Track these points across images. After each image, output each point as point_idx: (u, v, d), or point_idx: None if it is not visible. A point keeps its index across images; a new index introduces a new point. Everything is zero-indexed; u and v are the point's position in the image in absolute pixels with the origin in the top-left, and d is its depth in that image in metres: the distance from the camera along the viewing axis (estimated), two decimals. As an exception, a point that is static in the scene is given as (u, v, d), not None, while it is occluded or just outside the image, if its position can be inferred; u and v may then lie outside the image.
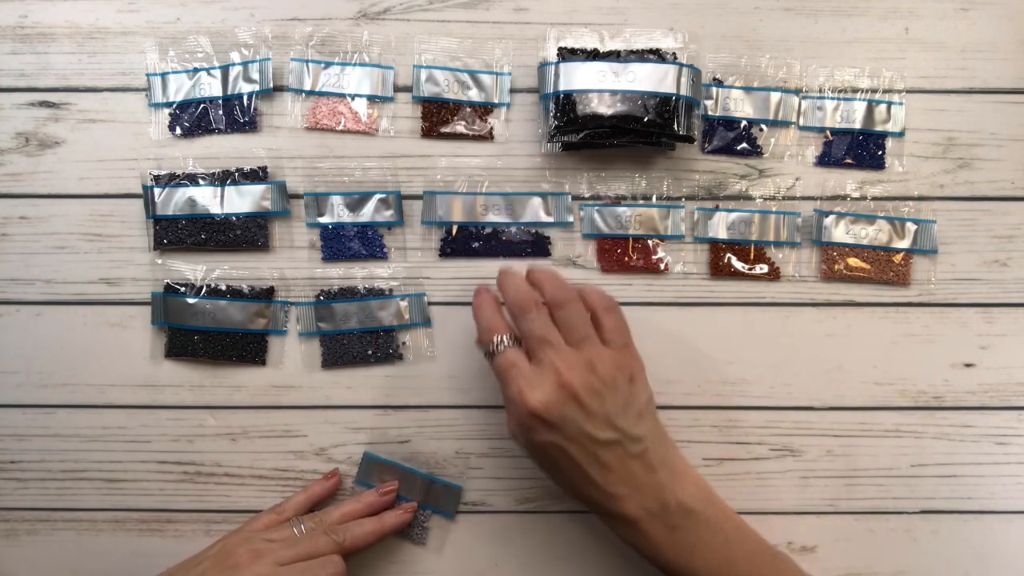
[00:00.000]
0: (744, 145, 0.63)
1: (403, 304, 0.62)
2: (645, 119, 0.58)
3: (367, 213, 0.62)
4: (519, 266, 0.62)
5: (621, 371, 0.53)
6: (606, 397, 0.51)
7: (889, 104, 0.63)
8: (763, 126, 0.63)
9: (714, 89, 0.63)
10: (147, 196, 0.62)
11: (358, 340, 0.62)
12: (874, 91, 0.63)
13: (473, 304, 0.57)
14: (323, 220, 0.63)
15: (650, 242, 0.63)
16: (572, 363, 0.51)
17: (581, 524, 0.62)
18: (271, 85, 0.62)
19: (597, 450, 0.51)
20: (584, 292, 0.55)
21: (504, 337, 0.53)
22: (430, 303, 0.63)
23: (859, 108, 0.63)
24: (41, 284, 0.63)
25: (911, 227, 0.63)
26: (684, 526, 0.52)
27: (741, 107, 0.63)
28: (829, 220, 0.62)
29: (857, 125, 0.63)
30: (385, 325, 0.62)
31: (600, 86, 0.59)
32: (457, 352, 0.63)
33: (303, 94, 0.63)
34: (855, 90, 0.63)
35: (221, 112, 0.63)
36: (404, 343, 0.63)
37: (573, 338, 0.53)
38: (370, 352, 0.62)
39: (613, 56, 0.61)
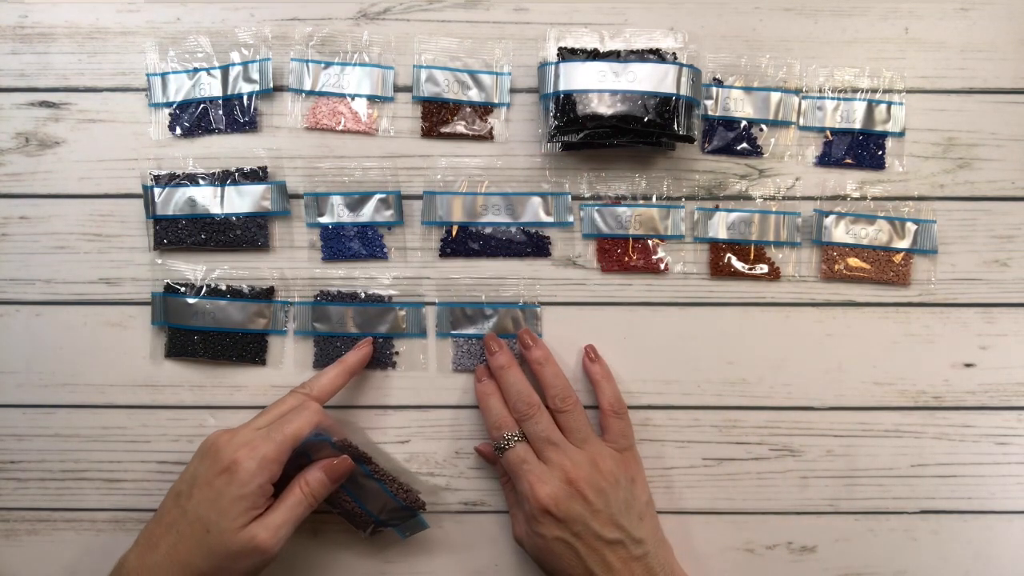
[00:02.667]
0: (744, 145, 0.63)
1: (401, 314, 0.62)
2: (645, 119, 0.58)
3: (367, 213, 0.62)
4: (518, 265, 0.63)
5: (623, 470, 0.57)
6: (609, 494, 0.55)
7: (889, 104, 0.63)
8: (763, 126, 0.63)
9: (714, 89, 0.63)
10: (147, 196, 0.62)
11: (352, 344, 0.62)
12: (874, 91, 0.63)
13: (477, 395, 0.60)
14: (323, 220, 0.63)
15: (650, 242, 0.63)
16: (577, 460, 0.55)
17: (581, 524, 0.62)
18: (271, 85, 0.62)
19: (603, 550, 0.54)
20: (601, 389, 0.60)
21: (515, 433, 0.57)
22: (429, 303, 0.63)
23: (859, 108, 0.63)
24: (41, 284, 0.63)
25: (911, 227, 0.63)
26: None
27: (741, 107, 0.63)
28: (829, 220, 0.62)
29: (857, 125, 0.63)
30: (381, 332, 0.62)
31: (600, 86, 0.59)
32: (449, 365, 0.63)
33: (303, 94, 0.63)
34: (855, 90, 0.63)
35: (221, 112, 0.63)
36: (398, 352, 0.63)
37: (575, 438, 0.57)
38: None
39: (613, 56, 0.61)
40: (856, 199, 0.63)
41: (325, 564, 0.62)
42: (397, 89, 0.63)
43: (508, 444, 0.57)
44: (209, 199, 0.62)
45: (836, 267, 0.63)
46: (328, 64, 0.63)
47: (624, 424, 0.59)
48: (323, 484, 0.54)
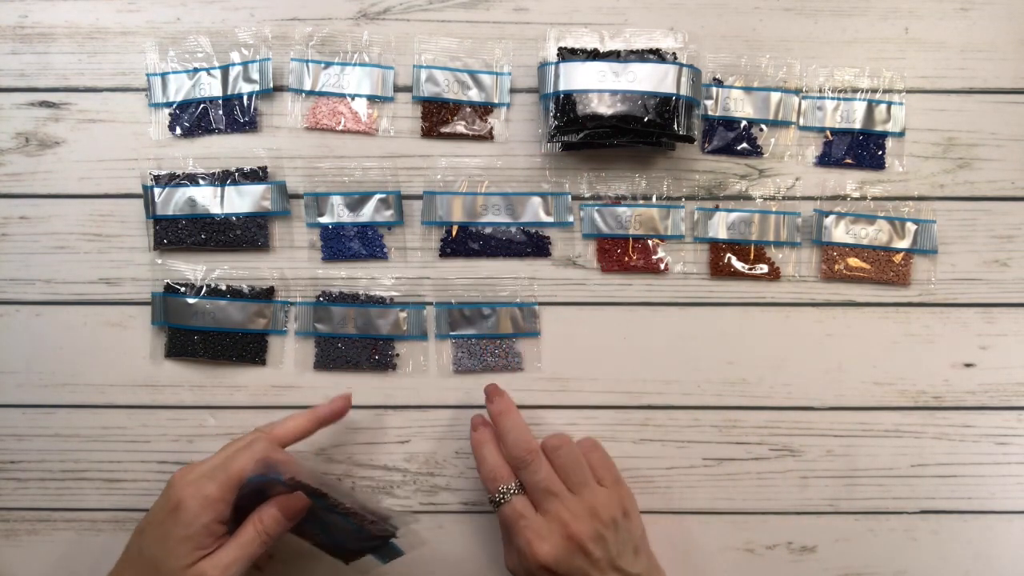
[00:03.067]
0: (744, 145, 0.63)
1: (402, 315, 0.62)
2: (645, 119, 0.58)
3: (367, 213, 0.62)
4: (518, 265, 0.63)
5: (618, 508, 0.55)
6: (608, 540, 0.54)
7: (889, 104, 0.63)
8: (763, 126, 0.63)
9: (714, 89, 0.63)
10: (147, 196, 0.62)
11: (353, 345, 0.62)
12: (874, 91, 0.63)
13: (472, 444, 0.58)
14: (323, 220, 0.63)
15: (650, 242, 0.63)
16: (577, 512, 0.54)
17: (581, 524, 0.62)
18: (271, 85, 0.62)
19: None
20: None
21: (511, 485, 0.55)
22: (429, 304, 0.63)
23: (859, 108, 0.63)
24: (41, 284, 0.63)
25: (911, 227, 0.63)
26: None
27: (741, 107, 0.63)
28: (829, 220, 0.62)
29: (857, 125, 0.63)
30: (382, 334, 0.62)
31: (600, 86, 0.59)
32: (449, 367, 0.63)
33: (303, 94, 0.63)
34: (855, 90, 0.63)
35: (221, 112, 0.63)
36: (398, 354, 0.63)
37: (572, 482, 0.55)
38: (363, 359, 0.62)
39: (613, 56, 0.61)
40: (856, 199, 0.63)
41: (325, 565, 0.62)
42: (397, 89, 0.63)
43: (504, 499, 0.55)
44: (209, 199, 0.62)
45: (836, 267, 0.63)
46: (328, 64, 0.63)
47: (601, 454, 0.58)
48: (277, 521, 0.52)
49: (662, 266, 0.63)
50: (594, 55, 0.61)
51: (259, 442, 0.53)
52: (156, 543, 0.51)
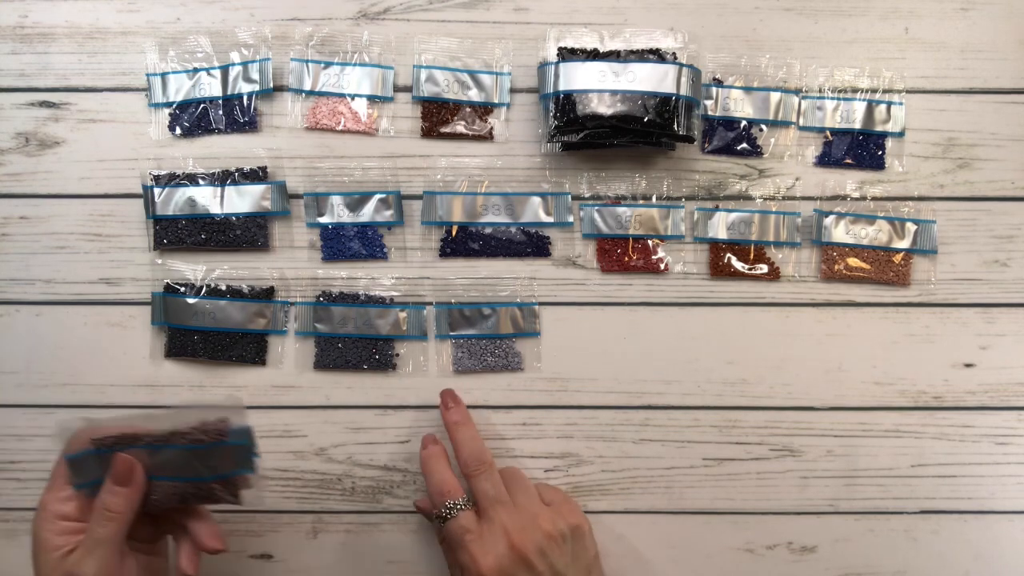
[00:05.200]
0: (744, 145, 0.63)
1: (402, 315, 0.62)
2: (645, 119, 0.58)
3: (367, 213, 0.62)
4: (518, 265, 0.63)
5: (566, 526, 0.55)
6: (553, 553, 0.53)
7: (889, 104, 0.63)
8: (763, 126, 0.63)
9: (714, 89, 0.63)
10: (147, 196, 0.62)
11: (353, 345, 0.62)
12: (874, 91, 0.63)
13: (422, 459, 0.58)
14: (323, 220, 0.63)
15: (650, 242, 0.63)
16: (521, 524, 0.53)
17: (581, 524, 0.62)
18: (271, 85, 0.62)
19: None
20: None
21: (458, 500, 0.55)
22: (429, 304, 0.63)
23: (859, 108, 0.63)
24: (41, 284, 0.63)
25: (911, 227, 0.63)
26: None
27: (741, 107, 0.63)
28: (829, 220, 0.62)
29: (857, 125, 0.63)
30: (382, 334, 0.62)
31: (600, 86, 0.59)
32: (449, 367, 0.63)
33: (303, 94, 0.63)
34: (855, 90, 0.63)
35: (221, 112, 0.63)
36: (398, 354, 0.63)
37: (518, 498, 0.55)
38: (363, 358, 0.62)
39: (613, 56, 0.61)
40: (856, 199, 0.63)
41: (325, 565, 0.62)
42: (397, 89, 0.63)
43: (451, 513, 0.54)
44: (209, 199, 0.62)
45: (836, 267, 0.63)
46: (328, 64, 0.63)
47: (541, 484, 0.59)
48: (111, 491, 0.49)
49: (662, 266, 0.63)
50: (594, 55, 0.61)
51: (76, 434, 0.51)
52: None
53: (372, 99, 0.63)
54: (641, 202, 0.63)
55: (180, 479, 0.51)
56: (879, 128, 0.63)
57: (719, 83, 0.63)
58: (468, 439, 0.57)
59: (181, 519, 0.52)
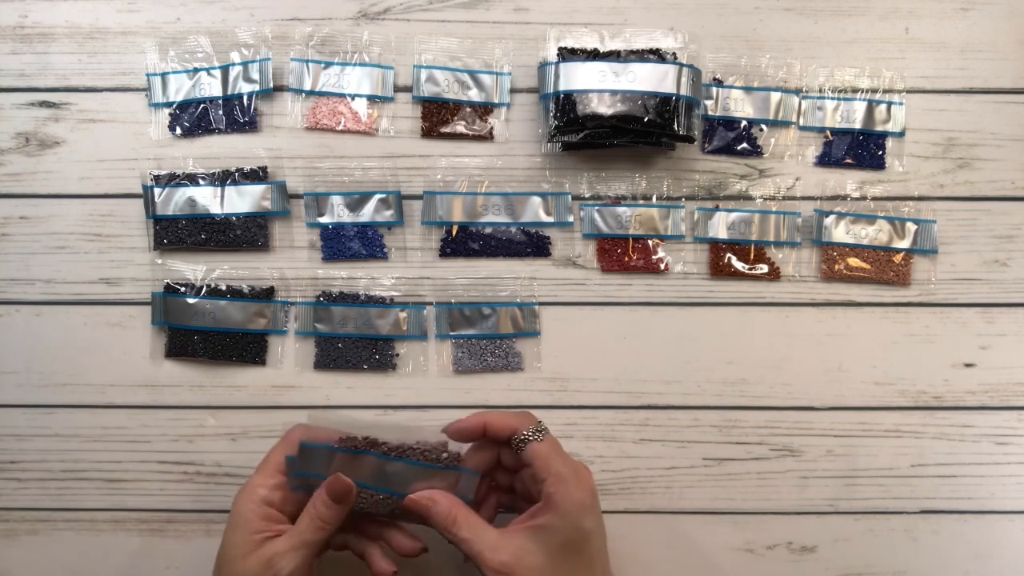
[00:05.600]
0: (744, 145, 0.63)
1: (402, 315, 0.62)
2: (645, 119, 0.58)
3: (367, 213, 0.62)
4: (518, 265, 0.63)
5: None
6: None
7: (889, 104, 0.63)
8: (763, 126, 0.63)
9: (714, 89, 0.63)
10: (147, 196, 0.62)
11: (353, 345, 0.62)
12: (874, 91, 0.63)
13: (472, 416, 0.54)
14: (323, 220, 0.63)
15: (650, 242, 0.63)
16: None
17: (581, 524, 0.62)
18: (271, 85, 0.62)
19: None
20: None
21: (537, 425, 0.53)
22: (429, 304, 0.63)
23: (859, 108, 0.63)
24: (41, 284, 0.63)
25: (911, 227, 0.63)
26: None
27: (741, 107, 0.63)
28: (829, 220, 0.62)
29: (857, 125, 0.63)
30: (382, 334, 0.62)
31: (600, 86, 0.59)
32: (449, 367, 0.63)
33: (303, 94, 0.63)
34: (855, 90, 0.63)
35: (221, 112, 0.63)
36: (398, 354, 0.63)
37: None
38: (363, 358, 0.62)
39: (613, 56, 0.61)
40: (856, 199, 0.63)
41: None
42: (397, 89, 0.63)
43: (536, 435, 0.51)
44: (209, 199, 0.62)
45: (836, 267, 0.63)
46: (328, 64, 0.63)
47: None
48: (326, 503, 0.51)
49: (662, 266, 0.63)
50: (594, 55, 0.61)
51: (295, 429, 0.54)
52: (221, 546, 0.52)
53: (372, 99, 0.63)
54: (641, 202, 0.63)
55: (397, 494, 0.52)
56: (879, 128, 0.63)
57: (719, 83, 0.63)
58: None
59: (372, 529, 0.54)
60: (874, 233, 0.63)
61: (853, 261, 0.63)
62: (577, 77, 0.59)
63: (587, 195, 0.63)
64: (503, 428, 0.52)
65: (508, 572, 0.48)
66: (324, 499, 0.51)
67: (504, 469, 0.55)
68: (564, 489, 0.50)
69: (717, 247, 0.63)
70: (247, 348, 0.62)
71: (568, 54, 0.61)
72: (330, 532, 0.52)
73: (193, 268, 0.63)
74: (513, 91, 0.63)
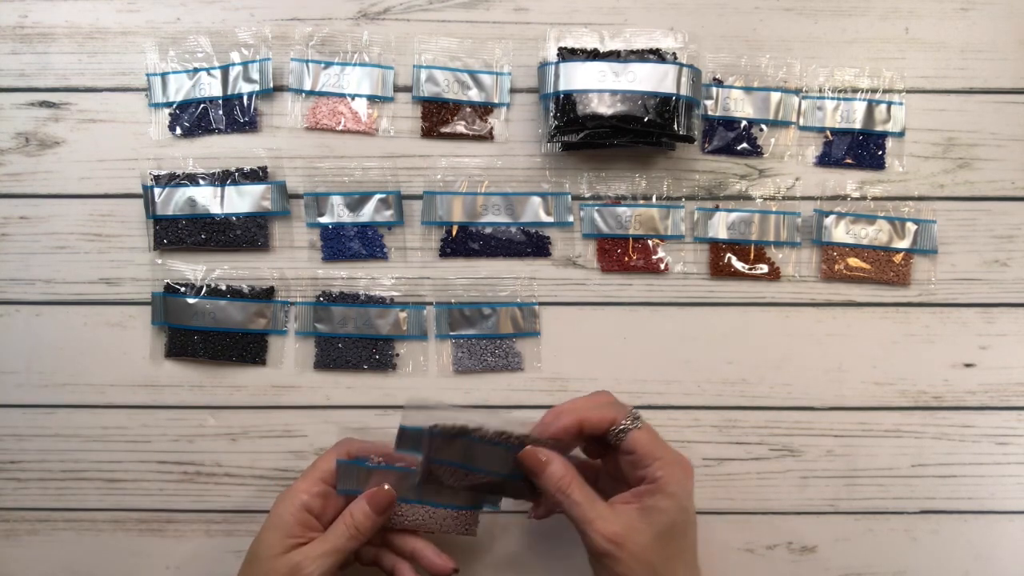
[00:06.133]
0: (744, 145, 0.63)
1: (402, 315, 0.62)
2: (645, 119, 0.58)
3: (367, 213, 0.62)
4: (518, 265, 0.63)
5: None
6: None
7: (889, 104, 0.63)
8: (763, 126, 0.63)
9: (714, 89, 0.63)
10: (147, 196, 0.62)
11: (353, 345, 0.62)
12: (874, 91, 0.63)
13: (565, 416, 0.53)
14: (323, 220, 0.63)
15: (650, 242, 0.63)
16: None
17: (581, 524, 0.62)
18: (271, 85, 0.62)
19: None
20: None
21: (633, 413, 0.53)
22: (429, 304, 0.63)
23: (859, 108, 0.63)
24: (41, 284, 0.63)
25: (911, 227, 0.63)
26: None
27: (741, 107, 0.63)
28: (829, 220, 0.62)
29: (857, 125, 0.63)
30: (382, 334, 0.62)
31: (600, 86, 0.59)
32: (449, 367, 0.63)
33: (303, 94, 0.63)
34: (855, 90, 0.63)
35: (221, 112, 0.63)
36: (398, 354, 0.63)
37: None
38: (363, 358, 0.62)
39: (613, 56, 0.61)
40: (856, 199, 0.63)
41: None
42: (397, 89, 0.63)
43: (635, 423, 0.51)
44: (209, 199, 0.62)
45: (836, 267, 0.63)
46: (328, 64, 0.63)
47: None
48: (366, 514, 0.52)
49: (662, 266, 0.63)
50: (594, 55, 0.61)
51: (345, 442, 0.56)
52: (255, 541, 0.53)
53: (372, 99, 0.63)
54: (641, 202, 0.63)
55: (429, 503, 0.54)
56: (879, 128, 0.63)
57: (719, 83, 0.63)
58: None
59: (404, 546, 0.54)
60: (874, 233, 0.63)
61: (853, 261, 0.63)
62: (577, 77, 0.59)
63: (587, 195, 0.63)
64: (600, 423, 0.52)
65: (619, 543, 0.49)
66: (364, 508, 0.52)
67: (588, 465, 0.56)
68: (672, 472, 0.50)
69: (717, 247, 0.63)
70: (247, 348, 0.62)
71: (568, 54, 0.61)
72: (361, 542, 0.52)
73: (193, 268, 0.63)
74: (513, 91, 0.63)
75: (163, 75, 0.63)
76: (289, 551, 0.51)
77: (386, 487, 0.53)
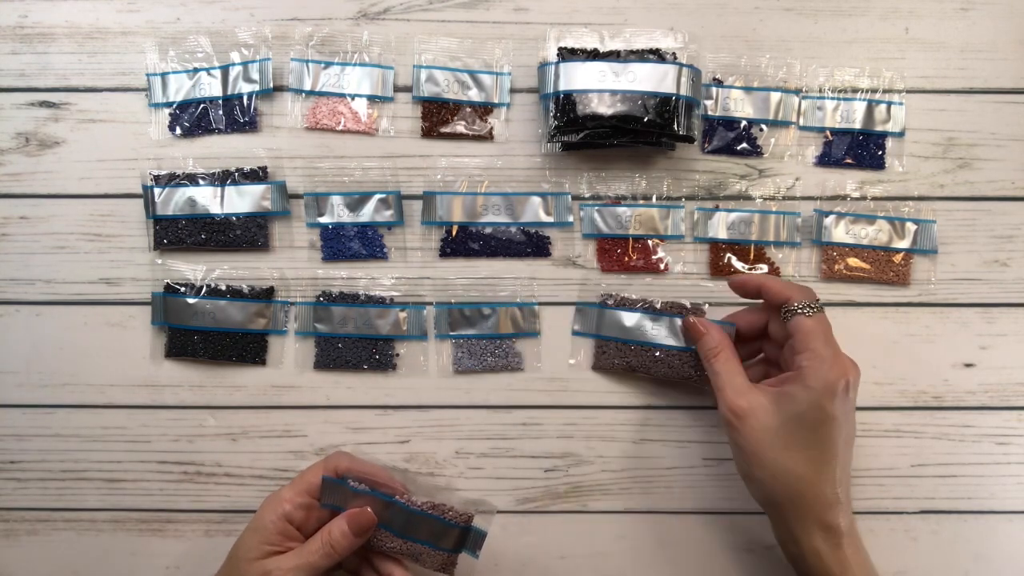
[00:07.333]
0: (744, 145, 0.63)
1: (402, 315, 0.62)
2: (645, 119, 0.58)
3: (367, 213, 0.62)
4: (518, 265, 0.63)
5: None
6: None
7: (889, 104, 0.63)
8: (763, 126, 0.63)
9: (714, 89, 0.63)
10: (147, 196, 0.62)
11: (353, 345, 0.62)
12: (874, 91, 0.63)
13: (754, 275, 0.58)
14: (323, 220, 0.63)
15: (650, 242, 0.63)
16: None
17: (581, 523, 0.62)
18: (271, 85, 0.62)
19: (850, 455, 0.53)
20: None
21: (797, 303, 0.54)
22: (429, 303, 0.63)
23: (859, 108, 0.63)
24: (41, 284, 0.63)
25: (911, 227, 0.63)
26: (861, 550, 0.54)
27: (741, 107, 0.63)
28: (829, 220, 0.62)
29: (857, 125, 0.63)
30: (382, 334, 0.62)
31: (600, 86, 0.59)
32: (449, 367, 0.63)
33: (303, 94, 0.63)
34: (855, 90, 0.63)
35: (221, 112, 0.63)
36: (398, 354, 0.63)
37: None
38: (363, 358, 0.62)
39: (613, 56, 0.61)
40: (856, 199, 0.63)
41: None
42: (397, 89, 0.63)
43: (808, 310, 0.52)
44: (209, 199, 0.62)
45: (836, 267, 0.63)
46: (328, 64, 0.63)
47: None
48: (344, 535, 0.52)
49: (662, 266, 0.63)
50: (594, 55, 0.61)
51: (336, 455, 0.55)
52: (237, 540, 0.53)
53: (372, 99, 0.63)
54: (641, 202, 0.63)
55: (411, 539, 0.54)
56: (879, 128, 0.63)
57: (719, 83, 0.63)
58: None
59: (383, 567, 0.55)
60: (874, 233, 0.63)
61: (853, 261, 0.63)
62: (577, 77, 0.59)
63: (587, 195, 0.63)
64: (777, 295, 0.54)
65: (740, 416, 0.52)
66: (343, 528, 0.52)
67: (772, 341, 0.56)
68: (817, 366, 0.51)
69: (717, 247, 0.63)
70: (247, 348, 0.62)
71: (568, 54, 0.61)
72: (336, 561, 0.52)
73: (193, 268, 0.63)
74: (513, 91, 0.63)
75: (163, 75, 0.63)
76: (264, 557, 0.51)
77: (368, 510, 0.53)
